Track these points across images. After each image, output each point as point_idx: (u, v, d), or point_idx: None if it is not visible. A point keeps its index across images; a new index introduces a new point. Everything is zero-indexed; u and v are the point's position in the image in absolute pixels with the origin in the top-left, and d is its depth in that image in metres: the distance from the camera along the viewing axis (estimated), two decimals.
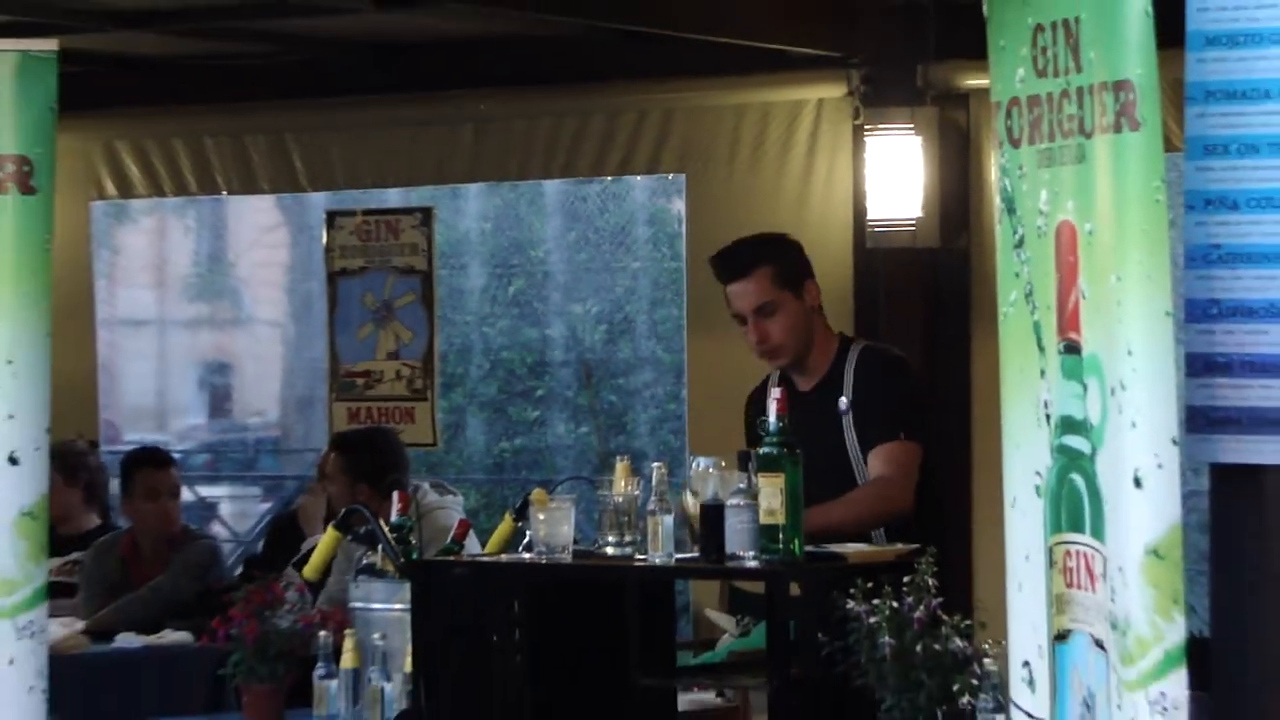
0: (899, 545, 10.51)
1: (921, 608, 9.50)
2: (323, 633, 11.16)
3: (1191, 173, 7.99)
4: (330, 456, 15.16)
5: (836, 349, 11.44)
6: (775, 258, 11.47)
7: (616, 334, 21.55)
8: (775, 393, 10.62)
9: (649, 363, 19.14)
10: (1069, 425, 8.05)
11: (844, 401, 11.27)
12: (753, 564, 10.11)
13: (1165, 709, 7.26)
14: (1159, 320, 7.31)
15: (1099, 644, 7.86)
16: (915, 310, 13.39)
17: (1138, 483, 7.34)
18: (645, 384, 19.33)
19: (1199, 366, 7.83)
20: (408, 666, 10.80)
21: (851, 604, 9.55)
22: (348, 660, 11.01)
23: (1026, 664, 8.59)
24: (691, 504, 10.28)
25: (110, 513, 16.04)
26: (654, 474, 10.35)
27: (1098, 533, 7.79)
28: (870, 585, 9.62)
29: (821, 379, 11.36)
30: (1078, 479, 7.94)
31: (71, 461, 15.34)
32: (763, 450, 9.81)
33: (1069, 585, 8.10)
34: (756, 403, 11.21)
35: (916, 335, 13.05)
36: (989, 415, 9.66)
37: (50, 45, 9.91)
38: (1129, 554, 7.47)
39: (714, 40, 14.22)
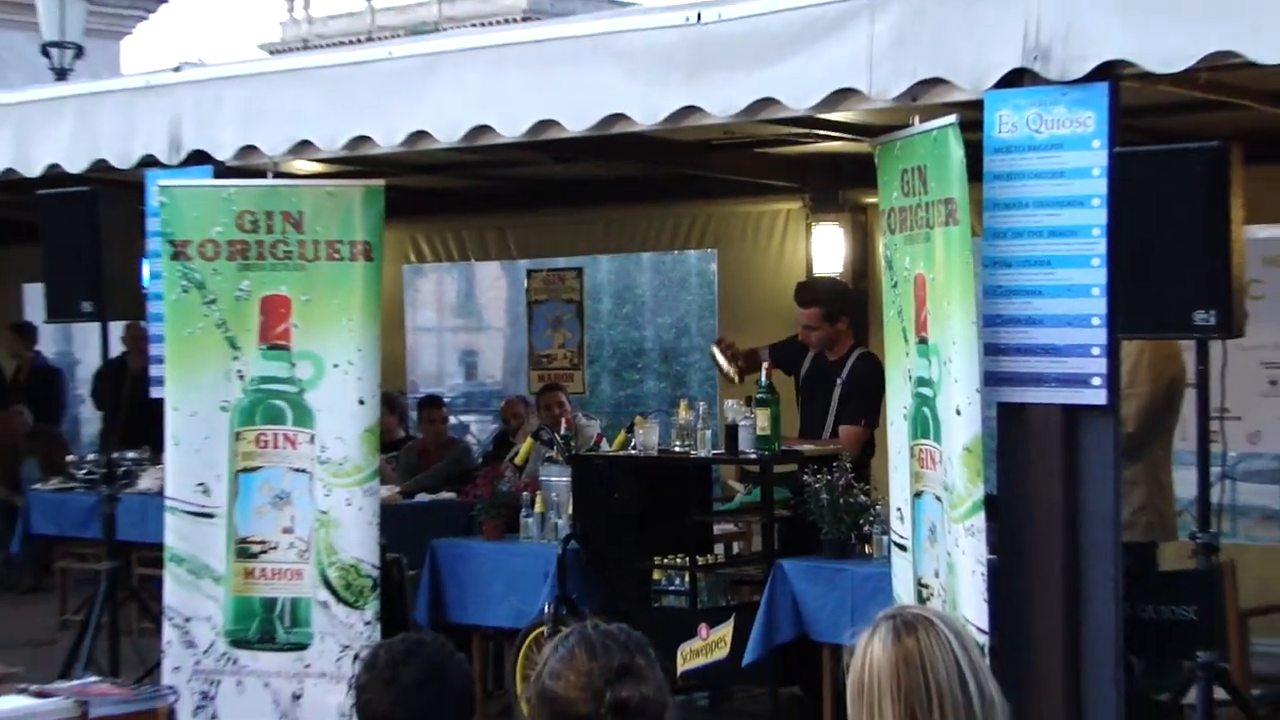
0: (834, 444, 11.74)
1: (843, 479, 10.73)
2: (525, 493, 12.96)
3: (986, 248, 8.99)
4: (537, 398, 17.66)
5: (850, 346, 12.52)
6: (825, 301, 12.56)
7: (680, 334, 25.61)
8: (765, 365, 12.10)
9: (697, 350, 21.80)
10: (921, 382, 9.23)
11: (840, 379, 12.39)
12: (752, 456, 11.73)
13: (974, 532, 8.38)
14: (969, 325, 8.58)
15: (938, 498, 8.98)
16: (856, 318, 14.14)
17: (958, 412, 8.58)
18: (695, 361, 22.22)
19: (990, 350, 8.70)
20: (569, 511, 11.62)
21: (806, 476, 10.94)
22: (538, 507, 12.66)
23: (899, 509, 9.63)
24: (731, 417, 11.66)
25: (411, 429, 18.37)
26: (700, 409, 12.26)
27: (937, 438, 8.94)
28: (817, 468, 10.99)
29: (838, 359, 12.36)
30: (925, 410, 9.10)
31: (390, 402, 16.80)
32: (758, 396, 11.16)
33: (921, 467, 9.24)
34: (774, 347, 13.08)
35: (856, 328, 13.98)
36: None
37: (379, 183, 11.23)
38: (954, 450, 8.66)
39: (734, 178, 15.67)
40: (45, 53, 20.66)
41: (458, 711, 4.96)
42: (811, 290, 12.64)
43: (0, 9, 22.67)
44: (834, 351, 12.23)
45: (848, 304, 12.75)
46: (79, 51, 20.68)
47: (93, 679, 9.43)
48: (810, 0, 9.23)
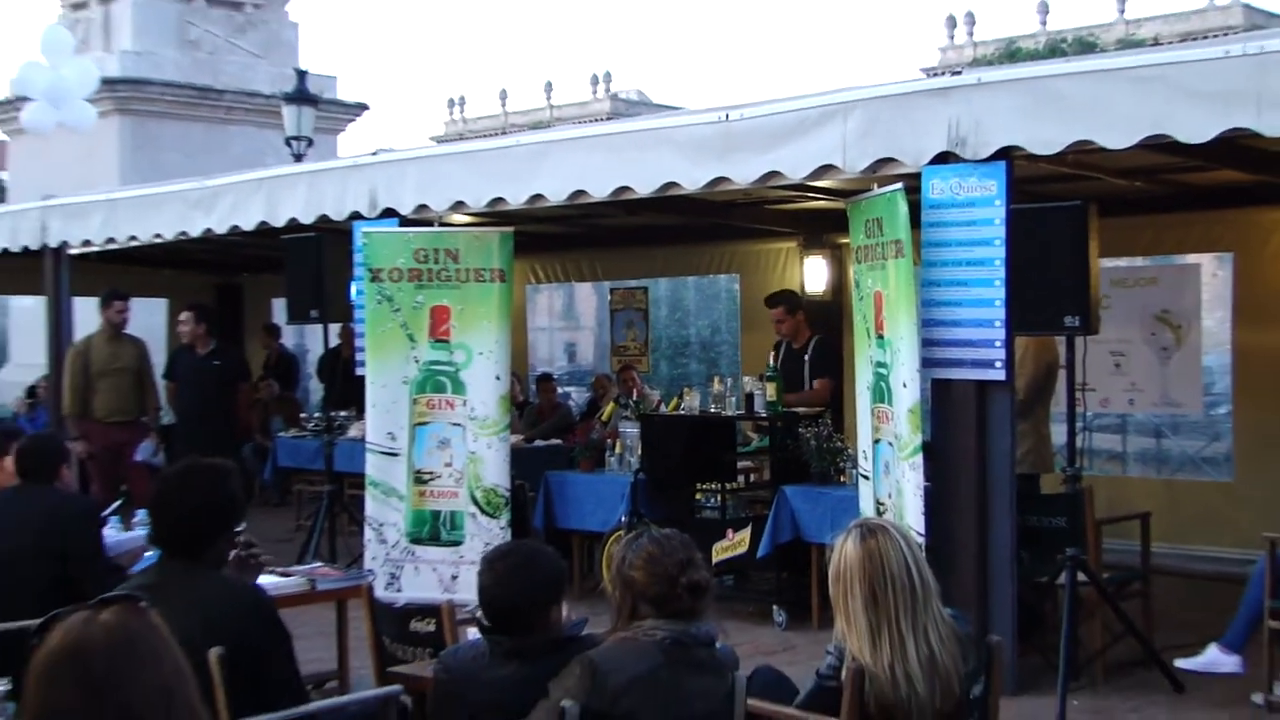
0: (813, 395, 11.60)
1: (825, 428, 10.61)
2: (608, 440, 12.82)
3: (923, 273, 8.82)
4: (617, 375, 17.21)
5: (809, 335, 12.19)
6: (784, 301, 12.46)
7: (714, 332, 25.71)
8: (771, 355, 12.07)
9: (725, 343, 21.39)
10: (879, 364, 9.01)
11: (807, 357, 12.06)
12: (763, 415, 11.49)
13: (915, 467, 8.26)
14: (911, 326, 8.44)
15: (890, 444, 8.79)
16: (833, 321, 13.67)
17: (904, 385, 8.43)
18: (724, 351, 21.72)
19: (925, 343, 8.50)
20: (638, 452, 11.89)
21: (801, 429, 10.70)
22: (617, 449, 12.39)
23: (864, 451, 9.42)
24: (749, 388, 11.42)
25: (530, 396, 17.57)
26: (727, 383, 12.04)
27: (890, 403, 8.73)
28: (806, 421, 10.69)
29: (801, 345, 12.03)
30: (882, 384, 8.89)
31: (517, 377, 16.08)
32: (766, 374, 10.91)
33: (879, 422, 8.98)
34: (774, 348, 12.64)
35: (834, 330, 13.41)
36: (852, 362, 9.97)
37: (510, 229, 11.07)
38: (901, 411, 8.48)
39: (751, 226, 15.14)
40: (288, 144, 20.77)
41: (544, 592, 4.90)
42: (775, 297, 12.65)
43: (261, 116, 22.74)
44: (797, 340, 12.19)
45: (798, 302, 12.67)
46: (309, 143, 20.76)
47: (318, 564, 9.50)
48: (802, 105, 9.24)
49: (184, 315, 14.46)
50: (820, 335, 12.61)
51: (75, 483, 8.06)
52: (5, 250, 15.38)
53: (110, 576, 6.73)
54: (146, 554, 7.77)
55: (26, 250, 15.16)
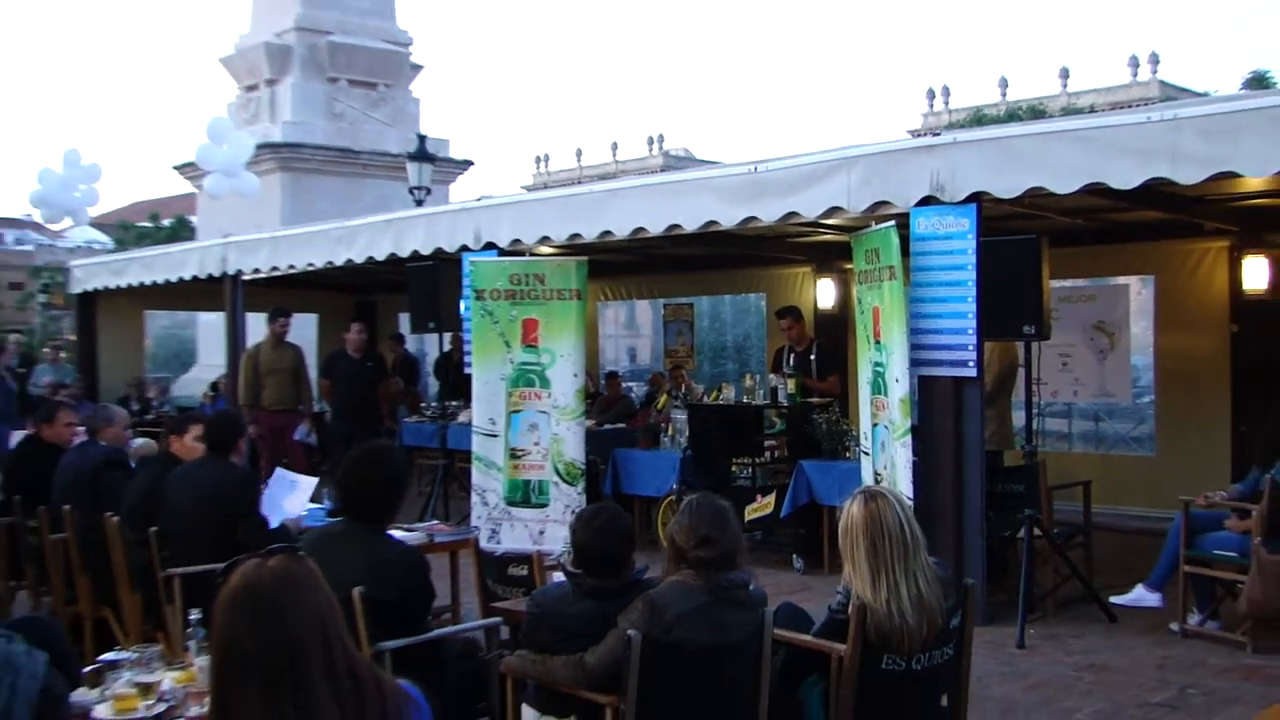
0: (825, 386, 11.42)
1: (833, 415, 10.45)
2: (663, 424, 12.53)
3: (911, 292, 9.10)
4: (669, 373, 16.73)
5: (810, 339, 12.10)
6: (791, 313, 12.59)
7: (745, 339, 24.80)
8: (790, 358, 11.82)
9: (755, 348, 20.72)
10: (876, 363, 8.80)
11: (813, 358, 11.83)
12: (785, 405, 11.27)
13: (906, 445, 8.10)
14: (902, 333, 8.31)
15: (886, 427, 8.60)
16: (840, 331, 13.47)
17: (896, 380, 8.28)
18: (753, 353, 21.18)
19: (913, 347, 8.38)
20: (686, 434, 11.73)
21: (814, 415, 10.54)
22: (670, 432, 12.20)
23: (865, 433, 9.22)
24: (774, 383, 11.37)
25: (600, 389, 16.70)
26: (756, 379, 12.10)
27: (885, 394, 8.57)
28: (818, 409, 10.48)
29: (804, 348, 11.86)
30: (879, 379, 8.69)
31: (591, 374, 16.14)
32: (786, 372, 10.84)
33: (877, 410, 8.77)
34: (779, 351, 12.51)
35: (840, 339, 13.35)
36: (855, 363, 9.80)
37: (584, 258, 10.91)
38: (894, 400, 8.32)
39: (774, 255, 14.93)
40: (411, 192, 20.58)
41: (625, 544, 4.94)
42: (784, 310, 12.56)
43: (390, 171, 22.67)
44: (800, 344, 12.06)
45: (800, 313, 12.52)
46: (428, 191, 20.59)
47: (435, 522, 9.37)
48: (815, 160, 9.16)
49: (356, 326, 15.08)
50: (818, 340, 12.61)
51: (247, 456, 8.06)
52: (195, 277, 15.49)
53: (262, 530, 6.89)
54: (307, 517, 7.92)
55: (211, 277, 15.29)
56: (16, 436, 12.66)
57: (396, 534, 5.88)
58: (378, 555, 5.20)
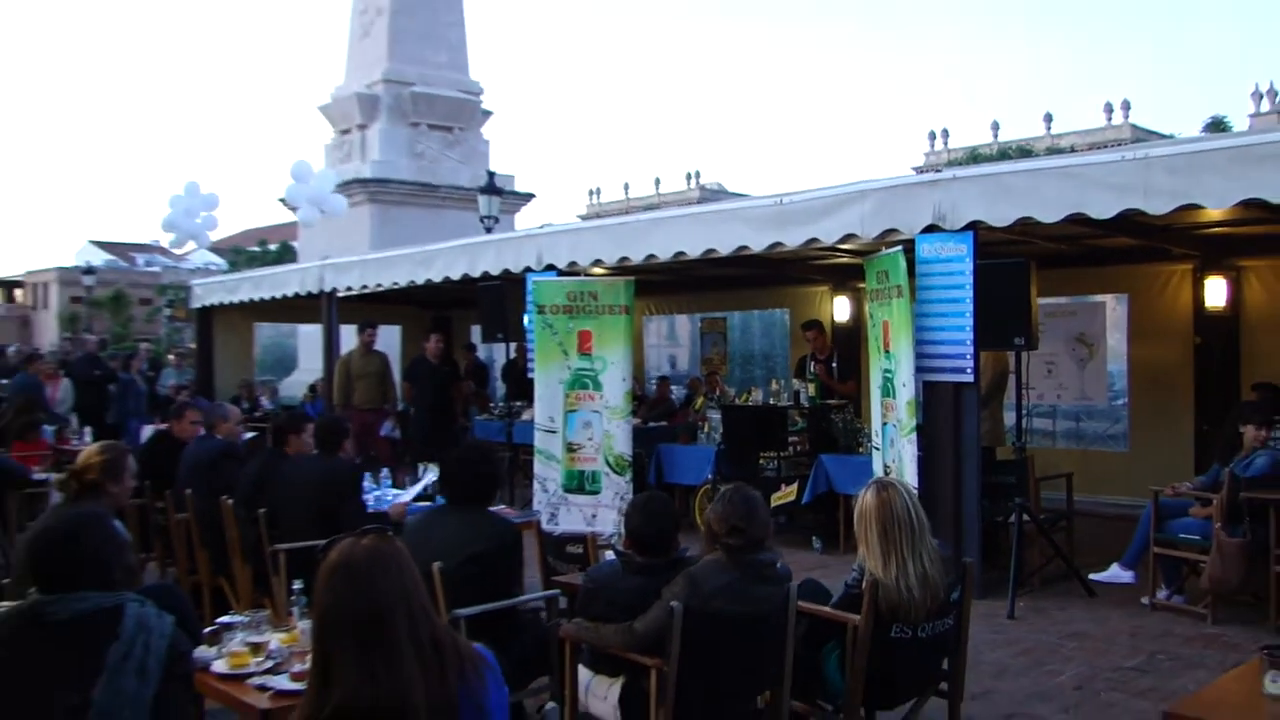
0: (844, 387, 11.30)
1: (848, 415, 10.10)
2: (699, 422, 12.70)
3: (916, 308, 8.76)
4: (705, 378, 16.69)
5: (832, 348, 11.92)
6: (816, 327, 12.40)
7: (771, 349, 23.58)
8: (814, 365, 11.62)
9: (780, 356, 20.15)
10: (886, 371, 8.63)
11: (834, 365, 11.62)
12: (806, 407, 11.40)
13: (912, 442, 7.91)
14: (908, 344, 8.17)
15: (895, 426, 8.40)
16: (854, 341, 13.21)
17: (904, 385, 8.09)
18: (778, 361, 20.62)
19: (918, 355, 8.21)
20: (721, 431, 11.69)
21: (832, 415, 10.38)
22: (706, 429, 12.32)
23: (876, 431, 9.04)
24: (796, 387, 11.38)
25: (649, 391, 16.91)
26: (781, 384, 12.19)
27: (894, 397, 8.39)
28: (835, 410, 10.04)
29: (826, 356, 11.66)
30: (888, 384, 8.51)
31: (636, 379, 15.37)
32: (809, 378, 10.89)
33: (886, 411, 8.57)
34: (803, 359, 12.33)
35: (855, 349, 12.98)
36: (868, 370, 9.68)
37: (632, 278, 10.63)
38: (902, 403, 8.13)
39: (797, 275, 14.72)
40: (481, 221, 20.52)
41: (674, 525, 4.93)
42: (809, 323, 12.29)
43: (464, 203, 22.54)
44: (822, 353, 11.92)
45: (823, 326, 12.37)
46: (496, 220, 20.52)
47: (502, 506, 9.17)
48: (833, 193, 9.11)
49: (435, 336, 14.99)
50: (838, 349, 12.51)
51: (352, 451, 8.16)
52: (296, 294, 15.57)
53: (360, 514, 7.04)
54: (410, 504, 8.02)
55: (310, 294, 15.36)
56: (146, 431, 12.98)
57: None
58: (482, 524, 5.37)
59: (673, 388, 18.56)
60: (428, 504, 7.93)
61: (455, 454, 5.62)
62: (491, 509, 5.63)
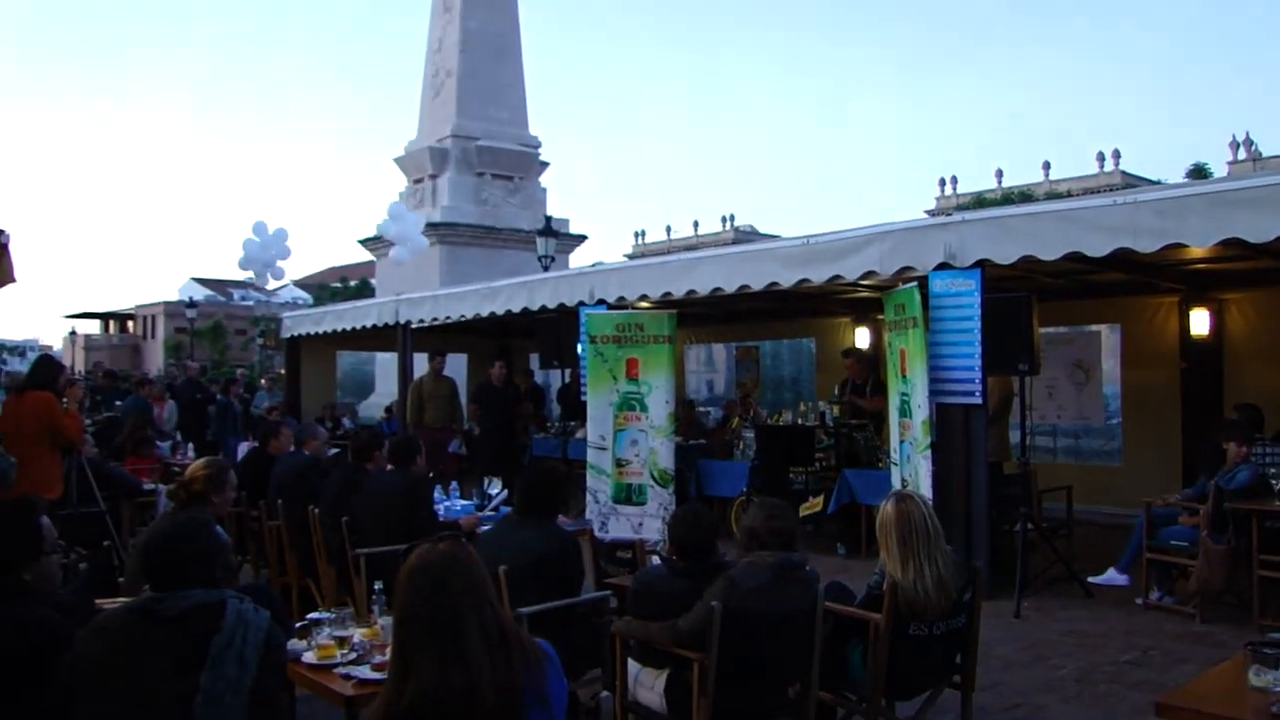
0: (871, 404, 11.03)
1: (869, 433, 9.89)
2: (735, 440, 12.35)
3: (930, 337, 8.25)
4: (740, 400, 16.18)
5: (869, 373, 11.60)
6: (854, 354, 11.91)
7: (799, 375, 22.40)
8: (847, 389, 11.49)
9: (807, 381, 19.48)
10: (903, 393, 8.48)
11: (867, 389, 11.38)
12: (831, 425, 11.52)
13: (927, 458, 7.79)
14: (923, 369, 8.07)
15: (911, 444, 8.27)
16: (876, 367, 13.24)
17: (919, 406, 7.96)
18: (805, 385, 19.87)
19: (931, 380, 8.06)
20: (755, 448, 11.42)
21: (854, 434, 10.12)
22: (741, 446, 12.03)
23: (894, 449, 8.87)
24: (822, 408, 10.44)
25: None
26: (808, 405, 12.40)
27: (910, 417, 8.26)
28: (857, 429, 9.91)
29: (863, 380, 11.46)
30: (905, 405, 8.37)
31: (679, 402, 14.78)
32: (831, 400, 10.99)
33: (904, 430, 8.42)
34: (843, 382, 12.18)
35: (877, 374, 13.06)
36: (887, 393, 9.53)
37: (674, 311, 10.66)
38: (918, 423, 8.00)
39: (823, 309, 14.36)
40: (539, 260, 20.57)
41: (710, 533, 4.88)
42: (848, 351, 12.44)
43: (523, 245, 22.71)
44: (860, 377, 11.83)
45: (860, 353, 12.45)
46: (553, 259, 20.55)
47: (559, 516, 9.20)
48: (854, 235, 9.09)
49: (498, 363, 15.13)
50: (873, 374, 12.23)
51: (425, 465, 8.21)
52: (374, 325, 15.60)
53: (434, 521, 7.08)
54: (479, 512, 8.12)
55: (387, 325, 15.38)
56: (242, 447, 13.12)
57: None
58: (551, 533, 5.44)
59: (709, 409, 18.48)
60: (493, 514, 7.95)
61: (529, 473, 5.69)
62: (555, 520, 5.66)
